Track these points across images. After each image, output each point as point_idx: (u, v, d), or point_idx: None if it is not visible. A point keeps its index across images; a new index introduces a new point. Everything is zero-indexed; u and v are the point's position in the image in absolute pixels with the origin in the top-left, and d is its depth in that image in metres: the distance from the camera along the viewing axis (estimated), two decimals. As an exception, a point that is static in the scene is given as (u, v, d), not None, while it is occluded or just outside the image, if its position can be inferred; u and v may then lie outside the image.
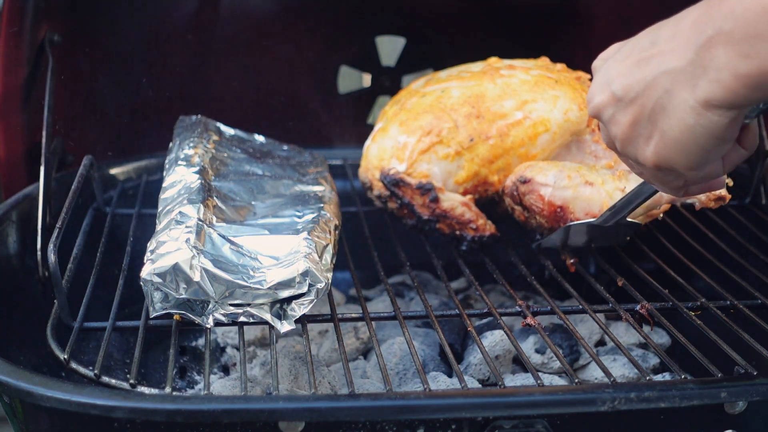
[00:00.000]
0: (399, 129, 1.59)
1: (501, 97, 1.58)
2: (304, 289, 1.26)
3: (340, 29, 2.01)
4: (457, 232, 1.58)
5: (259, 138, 1.78)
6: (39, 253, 1.49)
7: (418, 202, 1.56)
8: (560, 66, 1.67)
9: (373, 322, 1.33)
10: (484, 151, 1.56)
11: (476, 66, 1.68)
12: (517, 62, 1.67)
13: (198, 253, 1.25)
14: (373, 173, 1.60)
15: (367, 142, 1.64)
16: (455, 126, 1.57)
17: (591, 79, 1.09)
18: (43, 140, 1.63)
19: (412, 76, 2.04)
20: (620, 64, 1.02)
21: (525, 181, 1.50)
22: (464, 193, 1.59)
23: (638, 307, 1.37)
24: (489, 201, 1.62)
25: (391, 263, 1.67)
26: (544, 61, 1.68)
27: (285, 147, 1.78)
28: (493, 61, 1.69)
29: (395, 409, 1.10)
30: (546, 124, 1.57)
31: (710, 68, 0.91)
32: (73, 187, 1.47)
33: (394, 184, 1.56)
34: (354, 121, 2.07)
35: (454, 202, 1.57)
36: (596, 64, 1.10)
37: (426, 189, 1.55)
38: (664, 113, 0.97)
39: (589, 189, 1.48)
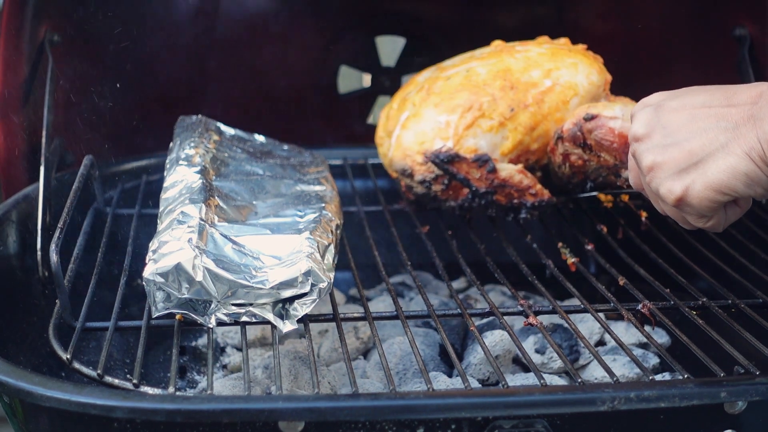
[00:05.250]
0: (435, 110, 1.60)
1: (526, 69, 1.62)
2: (307, 289, 1.26)
3: (340, 29, 2.01)
4: (515, 201, 1.59)
5: (259, 138, 1.78)
6: (39, 253, 1.49)
7: (475, 176, 1.57)
8: (563, 40, 1.72)
9: (374, 322, 1.33)
10: (525, 119, 1.59)
11: (481, 50, 1.69)
12: (520, 43, 1.71)
13: (200, 253, 1.25)
14: (413, 158, 1.59)
15: (397, 131, 1.63)
16: (493, 99, 1.59)
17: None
18: (43, 140, 1.63)
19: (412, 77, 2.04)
20: (674, 113, 1.13)
21: (591, 118, 1.51)
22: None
23: (640, 306, 1.37)
24: (528, 170, 1.63)
25: (391, 263, 1.67)
26: (545, 38, 1.71)
27: (285, 147, 1.78)
28: (498, 43, 1.71)
29: (395, 409, 1.09)
30: (574, 88, 1.62)
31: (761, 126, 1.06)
32: (73, 187, 1.47)
33: (448, 161, 1.56)
34: (354, 121, 2.07)
35: (511, 170, 1.58)
36: (637, 107, 1.20)
37: (483, 160, 1.56)
38: (712, 157, 1.09)
39: None
